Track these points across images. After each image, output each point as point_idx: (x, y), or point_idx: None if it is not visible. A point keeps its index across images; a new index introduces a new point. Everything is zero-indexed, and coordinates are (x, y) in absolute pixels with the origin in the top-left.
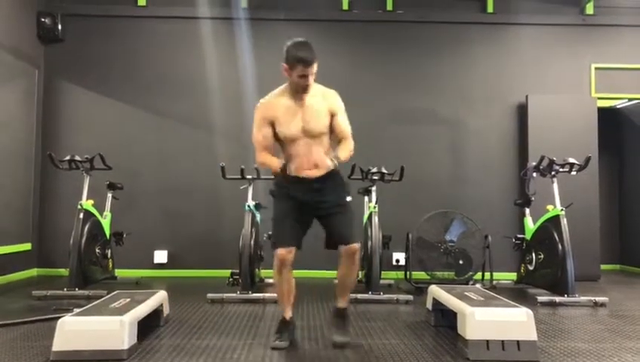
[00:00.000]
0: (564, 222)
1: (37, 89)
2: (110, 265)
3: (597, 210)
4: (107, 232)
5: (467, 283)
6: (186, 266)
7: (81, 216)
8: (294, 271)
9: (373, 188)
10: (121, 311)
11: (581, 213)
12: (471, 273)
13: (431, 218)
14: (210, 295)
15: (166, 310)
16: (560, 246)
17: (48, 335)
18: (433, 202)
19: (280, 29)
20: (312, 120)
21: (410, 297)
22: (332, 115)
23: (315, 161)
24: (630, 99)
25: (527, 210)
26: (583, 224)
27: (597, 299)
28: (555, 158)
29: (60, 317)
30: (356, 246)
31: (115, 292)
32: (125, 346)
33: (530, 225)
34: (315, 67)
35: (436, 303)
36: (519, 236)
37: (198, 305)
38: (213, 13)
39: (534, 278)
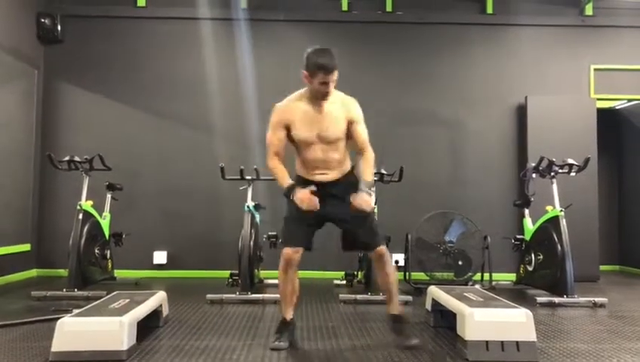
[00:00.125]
0: (563, 222)
1: (36, 89)
2: (109, 266)
3: (596, 210)
4: (106, 233)
5: (466, 284)
6: (185, 267)
7: (81, 216)
8: (300, 271)
9: (373, 189)
10: (121, 312)
11: (580, 214)
12: (470, 274)
13: (430, 218)
14: (209, 296)
15: (165, 311)
16: (559, 247)
17: (47, 336)
18: (432, 203)
19: (279, 29)
20: (329, 127)
21: (410, 298)
22: (350, 123)
23: (330, 165)
24: (629, 100)
25: (527, 211)
26: (582, 225)
27: (596, 299)
28: (554, 159)
29: (59, 318)
30: (382, 248)
31: (115, 293)
32: (124, 347)
33: (530, 225)
34: (335, 74)
35: (435, 304)
36: (518, 237)
37: (198, 305)
38: (212, 14)
39: (533, 279)
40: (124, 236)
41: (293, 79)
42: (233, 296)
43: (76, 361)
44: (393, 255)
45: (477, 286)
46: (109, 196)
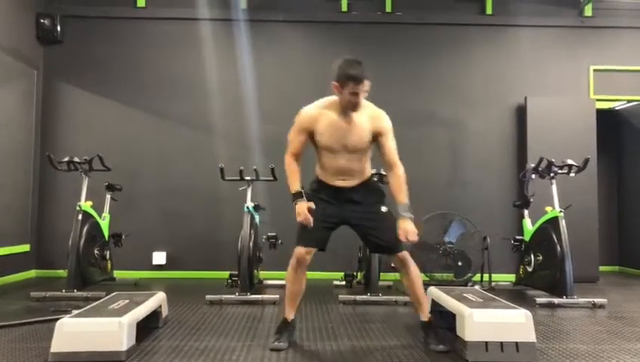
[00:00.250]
0: (562, 223)
1: (36, 90)
2: (109, 267)
3: (595, 211)
4: (106, 233)
5: (466, 285)
6: (184, 268)
7: (80, 217)
8: None
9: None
10: (120, 313)
11: (580, 215)
12: (470, 274)
13: (430, 219)
14: (208, 296)
15: (165, 311)
16: (559, 248)
17: (47, 337)
18: (432, 203)
19: (279, 30)
20: (355, 138)
21: (409, 298)
22: (378, 136)
23: (352, 173)
24: (629, 101)
25: (526, 212)
26: (581, 225)
27: (596, 300)
28: (553, 160)
29: (58, 319)
30: (404, 253)
31: (114, 294)
32: (124, 347)
33: (529, 226)
34: (366, 85)
35: (435, 304)
36: (518, 237)
37: (197, 306)
38: (212, 15)
39: (533, 280)
40: (123, 237)
41: (293, 79)
42: (232, 296)
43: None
44: None
45: (476, 287)
46: (108, 197)
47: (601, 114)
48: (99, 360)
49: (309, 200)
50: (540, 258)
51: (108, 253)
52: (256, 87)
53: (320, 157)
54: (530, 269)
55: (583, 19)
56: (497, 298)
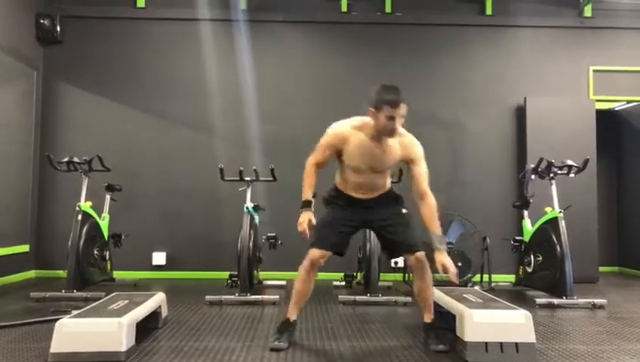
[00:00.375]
0: (562, 224)
1: (35, 90)
2: (108, 267)
3: (595, 212)
4: (105, 234)
5: (466, 285)
6: (184, 268)
7: (80, 217)
8: (295, 272)
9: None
10: (120, 313)
11: (579, 215)
12: (469, 275)
13: None
14: (208, 297)
15: (164, 312)
16: (558, 248)
17: (46, 337)
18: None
19: (279, 30)
20: (383, 162)
21: (409, 299)
22: (408, 163)
23: (374, 188)
24: (628, 102)
25: (526, 212)
26: (581, 226)
27: (595, 301)
28: (553, 160)
29: (58, 319)
30: (422, 254)
31: (114, 294)
32: (123, 348)
33: (529, 227)
34: (403, 109)
35: (435, 305)
36: (518, 238)
37: (197, 306)
38: (212, 15)
39: (533, 280)
40: (123, 237)
41: (293, 79)
42: (232, 297)
43: None
44: None
45: (476, 288)
46: (108, 197)
47: (601, 114)
48: (98, 361)
49: (327, 203)
50: (540, 258)
51: (107, 253)
52: (256, 88)
53: (343, 170)
54: (529, 270)
55: (583, 20)
56: (497, 298)
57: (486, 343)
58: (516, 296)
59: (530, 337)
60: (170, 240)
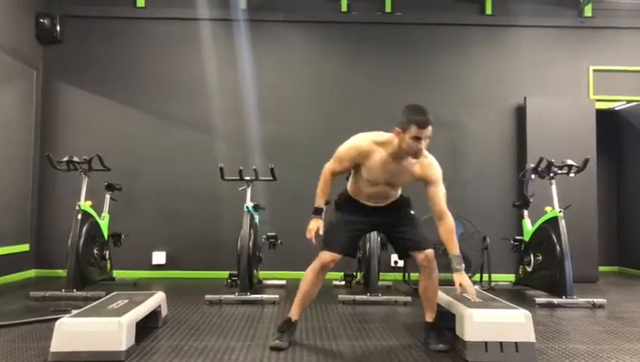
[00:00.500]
0: (562, 223)
1: (35, 90)
2: (108, 266)
3: (595, 211)
4: (105, 233)
5: None
6: (184, 267)
7: (79, 217)
8: (300, 272)
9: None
10: (120, 313)
11: (579, 215)
12: (469, 274)
13: (429, 219)
14: (208, 296)
15: (164, 311)
16: (558, 248)
17: (46, 337)
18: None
19: (279, 30)
20: (400, 180)
21: (409, 298)
22: (426, 184)
23: (387, 198)
24: (628, 102)
25: (526, 212)
26: (581, 226)
27: (595, 300)
28: (553, 160)
29: (58, 318)
30: (431, 251)
31: (113, 294)
32: (123, 347)
33: (529, 226)
34: (429, 131)
35: None
36: (517, 237)
37: (197, 306)
38: (212, 15)
39: (533, 280)
40: (122, 236)
41: (293, 79)
42: (232, 296)
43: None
44: (392, 256)
45: (476, 287)
46: (107, 196)
47: (601, 114)
48: (98, 360)
49: (338, 207)
50: (540, 258)
51: (107, 252)
52: (256, 87)
53: (357, 179)
54: (529, 269)
55: (583, 20)
56: (497, 298)
57: (486, 343)
58: (516, 296)
59: (530, 337)
60: (170, 240)
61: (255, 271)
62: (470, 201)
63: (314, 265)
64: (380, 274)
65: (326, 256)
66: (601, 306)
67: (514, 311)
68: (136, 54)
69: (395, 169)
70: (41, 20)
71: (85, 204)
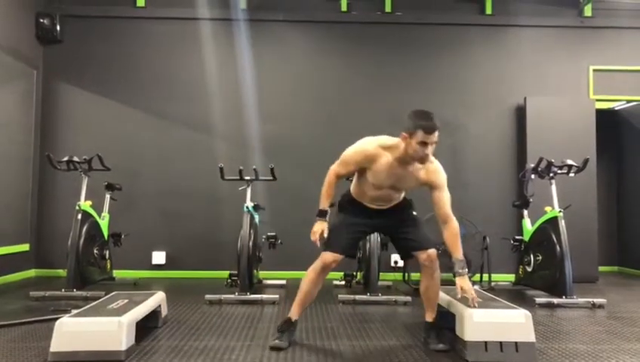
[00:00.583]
0: (562, 223)
1: (35, 90)
2: (108, 266)
3: (595, 211)
4: (105, 233)
5: None
6: (184, 267)
7: (79, 216)
8: (300, 271)
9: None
10: (119, 312)
11: (579, 215)
12: (469, 274)
13: (429, 219)
14: (208, 296)
15: (164, 311)
16: (558, 248)
17: (46, 336)
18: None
19: (279, 30)
20: (405, 184)
21: (409, 298)
22: (432, 189)
23: (390, 201)
24: (628, 101)
25: (526, 212)
26: (581, 225)
27: (595, 300)
28: (553, 160)
29: (57, 318)
30: (433, 251)
31: (113, 293)
32: (123, 347)
33: (529, 226)
34: (436, 136)
35: None
36: (517, 237)
37: (197, 306)
38: (212, 14)
39: (532, 280)
40: (122, 236)
41: (293, 79)
42: (232, 296)
43: (75, 361)
44: (392, 256)
45: (476, 287)
46: (107, 196)
47: (601, 114)
48: (98, 360)
49: (340, 209)
50: (540, 258)
51: (107, 252)
52: (256, 87)
53: (361, 183)
54: (529, 269)
55: (583, 20)
56: (497, 298)
57: (486, 342)
58: (516, 296)
59: (530, 336)
60: (169, 240)
61: (255, 271)
62: (470, 201)
63: (315, 265)
64: (380, 274)
65: (328, 256)
66: (601, 306)
67: (514, 311)
68: (136, 54)
69: (400, 174)
70: (41, 20)
71: (85, 204)
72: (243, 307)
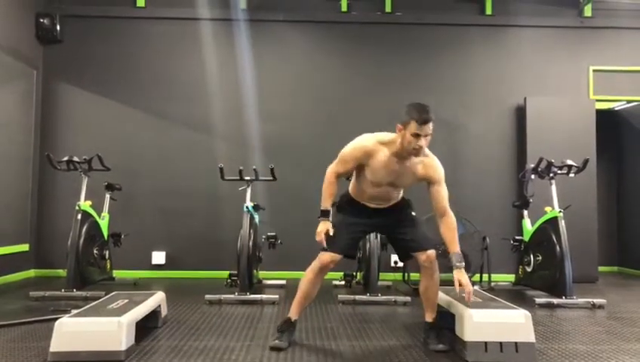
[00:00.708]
0: (562, 223)
1: (35, 90)
2: (108, 266)
3: (595, 211)
4: (105, 233)
5: None
6: (184, 267)
7: (79, 217)
8: (300, 272)
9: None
10: (119, 312)
11: (579, 215)
12: (469, 274)
13: (429, 219)
14: (208, 296)
15: (164, 311)
16: (558, 248)
17: (46, 336)
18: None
19: (279, 30)
20: (404, 180)
21: (408, 299)
22: (430, 184)
23: (389, 200)
24: (628, 102)
25: (526, 212)
26: (580, 226)
27: (595, 300)
28: (553, 160)
29: (57, 318)
30: (432, 252)
31: (113, 294)
32: (123, 347)
33: (529, 226)
34: (431, 127)
35: None
36: (517, 238)
37: (196, 306)
38: (212, 15)
39: (532, 280)
40: (122, 236)
41: (293, 79)
42: (232, 296)
43: (74, 361)
44: (392, 256)
45: (476, 287)
46: (107, 196)
47: (601, 114)
48: (98, 360)
49: (339, 209)
50: (540, 258)
51: (107, 252)
52: (256, 87)
53: (359, 182)
54: (529, 269)
55: (583, 20)
56: (497, 298)
57: (485, 343)
58: (516, 296)
59: (530, 337)
60: (169, 240)
61: (255, 271)
62: (470, 201)
63: (313, 266)
64: (380, 274)
65: (326, 256)
66: (600, 306)
67: (514, 312)
68: (136, 54)
69: (398, 170)
70: (41, 20)
71: (85, 204)
72: (243, 307)
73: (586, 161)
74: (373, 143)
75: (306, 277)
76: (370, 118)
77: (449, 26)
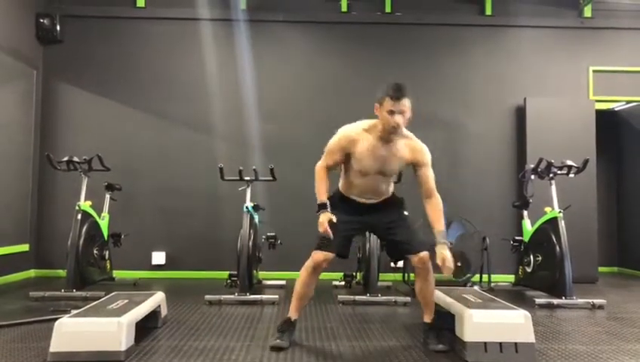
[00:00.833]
0: (561, 224)
1: (35, 90)
2: (108, 267)
3: (595, 212)
4: (105, 233)
5: (465, 285)
6: (184, 268)
7: (79, 217)
8: (299, 272)
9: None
10: (119, 313)
11: (579, 215)
12: (469, 275)
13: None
14: (208, 296)
15: (164, 311)
16: (558, 249)
17: (46, 337)
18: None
19: (279, 30)
20: (391, 165)
21: (408, 299)
22: (417, 167)
23: (378, 193)
24: (628, 102)
25: (525, 212)
26: (580, 226)
27: (595, 301)
28: (553, 161)
29: (57, 319)
30: (426, 254)
31: (113, 294)
32: (123, 347)
33: (528, 227)
34: (405, 104)
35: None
36: (517, 238)
37: (196, 306)
38: (212, 15)
39: (532, 280)
40: (122, 236)
41: (293, 79)
42: (232, 296)
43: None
44: None
45: (476, 288)
46: (107, 196)
47: (601, 115)
48: (98, 360)
49: (332, 207)
50: (539, 258)
51: (107, 252)
52: (256, 87)
53: (348, 175)
54: (529, 270)
55: (583, 20)
56: (496, 298)
57: (485, 343)
58: (515, 296)
59: (530, 337)
60: (169, 240)
61: (255, 271)
62: (470, 202)
63: (307, 265)
64: (380, 274)
65: (319, 255)
66: (600, 307)
67: (513, 312)
68: (136, 54)
69: (384, 153)
70: (41, 20)
71: (85, 204)
72: (243, 307)
73: (585, 162)
74: (356, 131)
75: (300, 278)
76: (370, 118)
77: (449, 27)
